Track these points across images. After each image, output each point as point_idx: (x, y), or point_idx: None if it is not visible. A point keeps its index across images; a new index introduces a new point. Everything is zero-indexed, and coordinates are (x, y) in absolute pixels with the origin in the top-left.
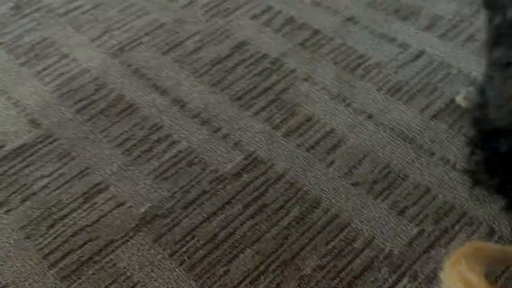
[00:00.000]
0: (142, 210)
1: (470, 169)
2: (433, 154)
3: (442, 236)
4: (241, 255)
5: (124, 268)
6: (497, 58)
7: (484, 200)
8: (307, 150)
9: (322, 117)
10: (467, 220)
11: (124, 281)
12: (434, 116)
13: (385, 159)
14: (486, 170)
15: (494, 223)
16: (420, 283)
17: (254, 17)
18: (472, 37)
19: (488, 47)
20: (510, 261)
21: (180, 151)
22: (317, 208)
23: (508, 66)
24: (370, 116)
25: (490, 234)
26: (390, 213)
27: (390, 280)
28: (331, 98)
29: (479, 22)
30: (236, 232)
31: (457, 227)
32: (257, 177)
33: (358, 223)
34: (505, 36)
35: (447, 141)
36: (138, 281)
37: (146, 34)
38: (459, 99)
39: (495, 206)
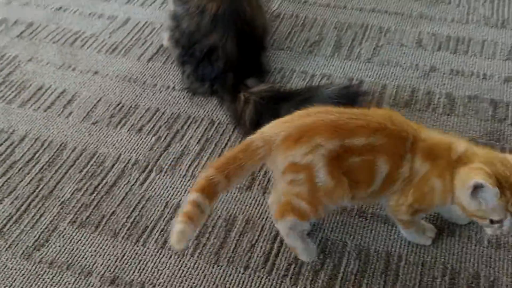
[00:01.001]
0: None
1: (186, 86)
2: (155, 85)
3: (175, 135)
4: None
5: None
6: None
7: (202, 103)
8: (44, 111)
9: (52, 84)
10: (192, 120)
11: None
12: (149, 60)
13: (117, 99)
14: (197, 79)
15: (213, 116)
16: (165, 173)
17: None
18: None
19: None
20: None
21: None
22: (64, 150)
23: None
24: (96, 72)
25: (211, 124)
26: (130, 134)
27: (140, 178)
28: (57, 68)
29: None
30: None
31: (185, 127)
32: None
33: (104, 149)
34: None
35: (164, 73)
36: None
37: None
38: (164, 42)
39: (211, 105)
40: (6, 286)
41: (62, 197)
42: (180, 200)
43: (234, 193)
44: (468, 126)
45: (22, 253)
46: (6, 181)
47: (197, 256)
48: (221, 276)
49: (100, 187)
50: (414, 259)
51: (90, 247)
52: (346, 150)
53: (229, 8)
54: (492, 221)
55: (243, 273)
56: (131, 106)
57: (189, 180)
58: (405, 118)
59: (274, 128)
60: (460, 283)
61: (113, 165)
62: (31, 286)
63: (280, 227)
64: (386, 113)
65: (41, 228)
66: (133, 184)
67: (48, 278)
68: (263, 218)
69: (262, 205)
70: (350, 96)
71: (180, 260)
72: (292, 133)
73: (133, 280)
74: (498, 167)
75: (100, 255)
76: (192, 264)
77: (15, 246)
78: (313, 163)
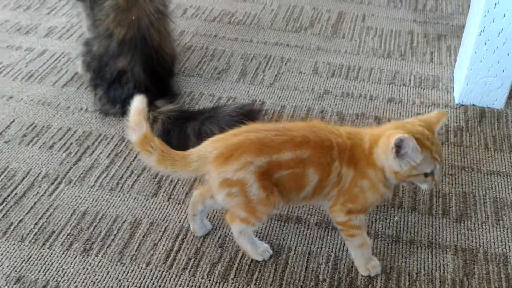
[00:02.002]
0: None
1: (98, 108)
2: (68, 107)
3: (86, 151)
4: None
5: None
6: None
7: (113, 123)
8: None
9: None
10: (103, 137)
11: None
12: (64, 85)
13: (30, 120)
14: (108, 101)
15: (124, 134)
16: (74, 184)
17: None
18: (82, 34)
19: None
20: None
21: None
22: None
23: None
24: (10, 97)
25: (122, 140)
26: (41, 151)
27: (49, 189)
28: None
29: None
30: None
31: (96, 143)
32: None
33: (15, 164)
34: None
35: (78, 97)
36: None
37: None
38: (79, 69)
39: (122, 124)
40: None
41: None
42: (87, 208)
43: (140, 200)
44: None
45: None
46: None
47: (102, 256)
48: (124, 272)
49: (9, 198)
50: (302, 249)
51: None
52: (275, 165)
53: (136, 34)
54: (426, 175)
55: (145, 269)
56: (43, 126)
57: (97, 190)
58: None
59: (208, 146)
60: (341, 268)
61: (23, 178)
62: None
63: (232, 229)
64: (308, 125)
65: None
66: (42, 195)
67: None
68: (167, 220)
69: (167, 209)
70: (249, 113)
71: (84, 260)
72: (223, 151)
73: (38, 279)
74: (408, 127)
75: (6, 258)
76: (96, 263)
77: None
78: (245, 179)
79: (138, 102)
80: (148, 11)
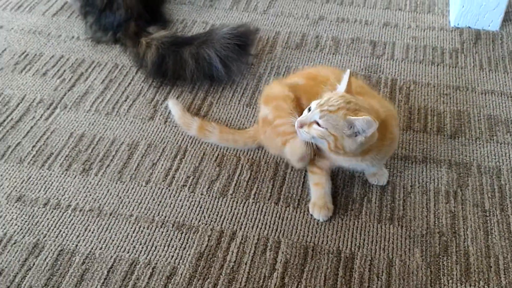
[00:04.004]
0: None
1: (90, 36)
2: (60, 36)
3: (80, 78)
4: None
5: None
6: None
7: (106, 50)
8: None
9: None
10: (96, 64)
11: None
12: (54, 15)
13: (22, 49)
14: (100, 28)
15: (117, 61)
16: (70, 109)
17: None
18: None
19: None
20: None
21: None
22: None
23: None
24: (0, 27)
25: (115, 67)
26: (35, 78)
27: (45, 114)
28: None
29: None
30: None
31: (89, 70)
32: None
33: (9, 91)
34: None
35: (69, 26)
36: None
37: None
38: None
39: (115, 51)
40: None
41: None
42: (84, 131)
43: (137, 123)
44: (350, 62)
45: None
46: None
47: (101, 175)
48: (124, 190)
49: (5, 123)
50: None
51: None
52: None
53: None
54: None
55: (144, 186)
56: (35, 55)
57: (93, 114)
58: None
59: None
60: (337, 182)
61: (18, 104)
62: None
63: None
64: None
65: None
66: (38, 119)
67: None
68: (164, 142)
69: (164, 131)
70: (243, 34)
71: (84, 179)
72: None
73: (38, 197)
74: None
75: (6, 179)
76: (96, 182)
77: None
78: None
79: (175, 105)
80: None
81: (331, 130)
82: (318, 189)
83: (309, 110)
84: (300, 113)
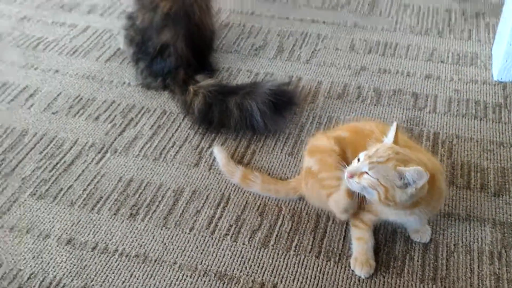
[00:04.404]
0: None
1: (140, 82)
2: (112, 81)
3: (130, 123)
4: None
5: None
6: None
7: (155, 96)
8: (8, 103)
9: (16, 80)
10: (145, 110)
11: None
12: (107, 61)
13: (76, 93)
14: (150, 74)
15: (165, 107)
16: (119, 153)
17: None
18: (123, 11)
19: None
20: None
21: None
22: (26, 135)
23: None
24: (56, 71)
25: (163, 113)
26: (87, 122)
27: (96, 158)
28: (20, 68)
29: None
30: None
31: (139, 115)
32: None
33: (63, 134)
34: None
35: (121, 72)
36: None
37: None
38: (121, 45)
39: (163, 98)
40: None
41: (23, 174)
42: (132, 176)
43: (182, 169)
44: (392, 114)
45: None
46: None
47: (147, 221)
48: (169, 236)
49: (58, 165)
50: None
51: (48, 215)
52: None
53: (180, 9)
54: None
55: (188, 233)
56: (89, 99)
57: (141, 159)
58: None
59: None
60: (379, 237)
61: (71, 147)
62: None
63: None
64: None
65: (2, 200)
66: (90, 163)
67: (9, 240)
68: (208, 189)
69: (208, 178)
70: (287, 90)
71: (131, 224)
72: None
73: (87, 240)
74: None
75: (57, 221)
76: (142, 227)
77: None
78: None
79: (220, 154)
80: None
81: (382, 181)
82: (360, 244)
83: (358, 160)
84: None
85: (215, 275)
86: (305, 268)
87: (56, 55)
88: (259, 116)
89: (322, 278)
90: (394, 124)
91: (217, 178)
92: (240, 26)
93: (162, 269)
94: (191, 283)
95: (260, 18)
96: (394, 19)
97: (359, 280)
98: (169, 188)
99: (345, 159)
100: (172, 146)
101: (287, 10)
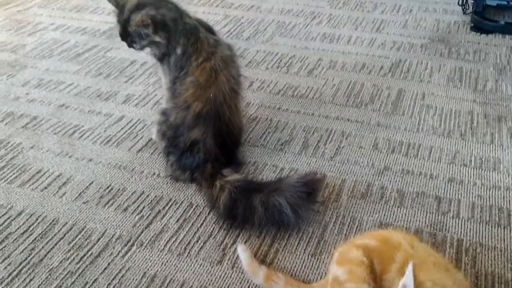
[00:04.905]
0: None
1: (169, 173)
2: (142, 172)
3: (157, 215)
4: None
5: None
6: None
7: (183, 188)
8: (41, 191)
9: (50, 168)
10: (173, 202)
11: None
12: (139, 151)
13: (107, 182)
14: (179, 168)
15: (192, 200)
16: (145, 247)
17: None
18: (157, 102)
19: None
20: None
21: None
22: (56, 224)
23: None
24: (90, 160)
25: (190, 206)
26: (116, 212)
27: (122, 250)
28: (56, 155)
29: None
30: None
31: (166, 208)
32: None
33: (92, 224)
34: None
35: (151, 162)
36: None
37: None
38: (153, 136)
39: (191, 190)
40: None
41: (51, 265)
42: (156, 271)
43: (206, 266)
44: (415, 217)
45: None
46: (1, 249)
47: None
48: None
49: (85, 257)
50: None
51: None
52: None
53: (211, 109)
54: None
55: None
56: (119, 189)
57: (166, 254)
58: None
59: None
60: None
61: (99, 239)
62: None
63: None
64: None
65: None
66: (116, 256)
67: None
68: None
69: (230, 277)
70: (310, 182)
71: None
72: None
73: None
74: None
75: None
76: None
77: None
78: None
79: (244, 252)
80: (224, 90)
81: None
82: None
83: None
84: (373, 278)
85: None
86: None
87: (91, 143)
88: (289, 209)
89: None
90: (410, 266)
91: (240, 278)
92: (267, 120)
93: None
94: None
95: (287, 113)
96: (417, 120)
97: None
98: (191, 286)
99: (372, 270)
100: (197, 241)
101: (312, 106)
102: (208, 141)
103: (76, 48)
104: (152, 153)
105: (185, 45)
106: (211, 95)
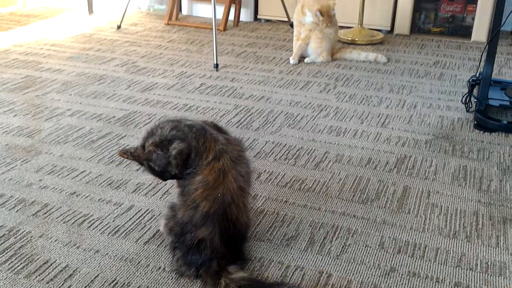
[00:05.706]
0: None
1: (175, 268)
2: (148, 265)
3: None
4: None
5: None
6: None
7: (187, 284)
8: (47, 283)
9: (57, 259)
10: None
11: None
12: (146, 242)
13: (112, 276)
14: (185, 263)
15: None
16: None
17: None
18: (167, 192)
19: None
20: None
21: None
22: None
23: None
24: (97, 251)
25: None
26: None
27: None
28: (64, 245)
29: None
30: None
31: None
32: None
33: None
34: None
35: (158, 255)
36: None
37: None
38: (161, 228)
39: (195, 286)
40: None
41: None
42: None
43: None
44: None
45: None
46: None
47: None
48: None
49: None
50: None
51: None
52: None
53: (219, 208)
54: None
55: None
56: (124, 284)
57: None
58: None
59: None
60: None
61: None
62: None
63: None
64: None
65: None
66: None
67: None
68: None
69: None
70: None
71: None
72: None
73: None
74: None
75: None
76: None
77: None
78: None
79: None
80: (232, 189)
81: None
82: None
83: None
84: None
85: None
86: None
87: (99, 234)
88: None
89: None
90: None
91: None
92: (274, 214)
93: None
94: None
95: (294, 206)
96: (422, 219)
97: None
98: None
99: None
100: None
101: (319, 201)
102: (215, 239)
103: (91, 134)
104: (158, 245)
105: (196, 147)
106: (219, 195)
